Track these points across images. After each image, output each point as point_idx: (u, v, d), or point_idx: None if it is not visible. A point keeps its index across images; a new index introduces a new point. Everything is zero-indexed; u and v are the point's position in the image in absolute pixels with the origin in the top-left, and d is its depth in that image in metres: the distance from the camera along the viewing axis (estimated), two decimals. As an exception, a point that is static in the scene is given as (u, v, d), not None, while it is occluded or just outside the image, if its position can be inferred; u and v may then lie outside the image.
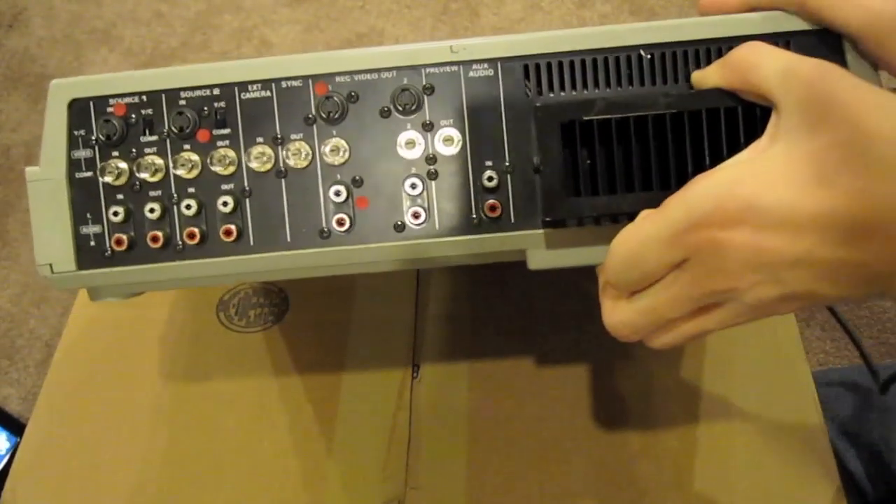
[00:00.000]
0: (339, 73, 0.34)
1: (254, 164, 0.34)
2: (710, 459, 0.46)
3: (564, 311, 0.52)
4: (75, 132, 0.35)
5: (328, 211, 0.34)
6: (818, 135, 0.26)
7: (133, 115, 0.35)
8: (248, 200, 0.35)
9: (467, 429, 0.48)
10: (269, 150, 0.34)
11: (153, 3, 1.54)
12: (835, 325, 1.05)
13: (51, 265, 0.35)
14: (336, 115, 0.34)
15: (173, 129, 0.34)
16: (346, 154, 0.34)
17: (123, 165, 0.34)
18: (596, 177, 0.32)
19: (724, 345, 0.50)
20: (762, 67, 0.29)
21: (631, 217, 0.30)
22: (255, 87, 0.34)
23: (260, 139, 0.34)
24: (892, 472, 0.51)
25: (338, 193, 0.34)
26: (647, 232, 0.29)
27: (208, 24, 1.51)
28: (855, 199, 0.25)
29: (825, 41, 0.33)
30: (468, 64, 0.34)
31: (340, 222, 0.34)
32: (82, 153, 0.35)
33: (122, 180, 0.35)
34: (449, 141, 0.34)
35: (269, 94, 0.34)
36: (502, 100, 0.34)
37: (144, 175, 0.34)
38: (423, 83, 0.34)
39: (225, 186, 0.35)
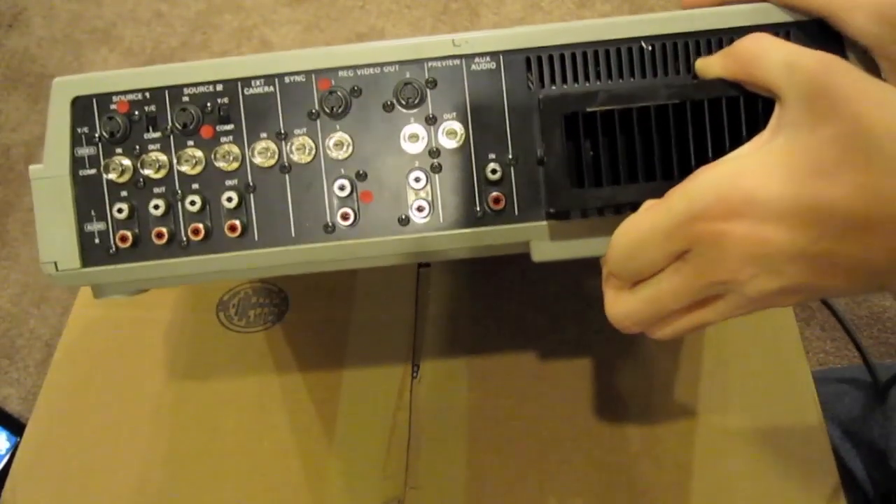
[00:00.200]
0: (342, 68, 0.34)
1: (257, 160, 0.34)
2: (709, 459, 0.46)
3: (564, 311, 0.52)
4: (79, 130, 0.35)
5: (332, 205, 0.34)
6: (820, 128, 0.26)
7: (136, 112, 0.35)
8: (252, 196, 0.35)
9: (467, 428, 0.48)
10: (272, 146, 0.34)
11: (153, 3, 1.54)
12: (835, 325, 1.05)
13: (55, 263, 0.35)
14: (339, 110, 0.34)
15: (177, 125, 0.34)
16: (350, 148, 0.34)
17: (127, 162, 0.34)
18: (599, 168, 0.32)
19: (725, 345, 0.50)
20: (765, 59, 0.29)
21: (634, 208, 0.31)
22: (258, 82, 0.34)
23: (263, 134, 0.34)
24: (893, 471, 0.51)
25: (342, 188, 0.34)
26: (649, 222, 0.29)
27: (208, 23, 1.51)
28: (856, 193, 0.25)
29: (826, 31, 0.33)
30: (470, 57, 0.34)
31: (345, 216, 0.34)
32: (86, 150, 0.35)
33: (126, 177, 0.35)
34: (452, 134, 0.34)
35: (272, 89, 0.34)
36: (505, 93, 0.34)
37: (148, 172, 0.34)
38: (426, 77, 0.34)
39: (229, 182, 0.35)
